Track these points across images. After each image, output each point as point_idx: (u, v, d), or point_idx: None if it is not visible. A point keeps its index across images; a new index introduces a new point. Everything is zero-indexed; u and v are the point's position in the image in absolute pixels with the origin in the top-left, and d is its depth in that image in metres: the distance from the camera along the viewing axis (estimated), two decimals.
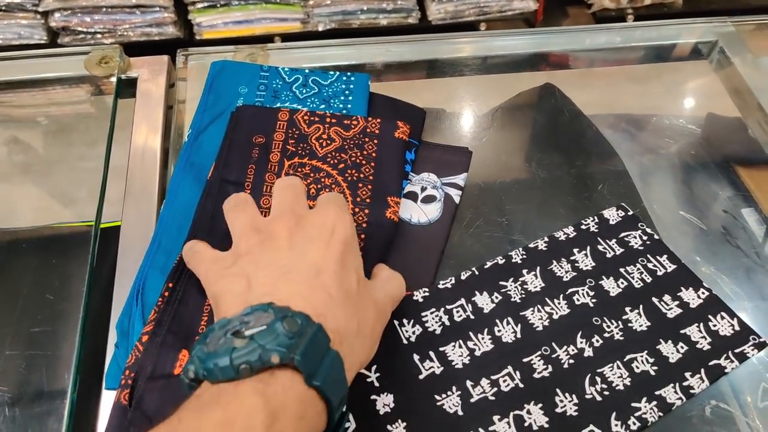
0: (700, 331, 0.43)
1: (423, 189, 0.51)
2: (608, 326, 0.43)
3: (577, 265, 0.47)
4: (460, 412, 0.38)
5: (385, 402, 0.38)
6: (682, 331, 0.43)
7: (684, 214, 0.53)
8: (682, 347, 0.42)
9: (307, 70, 0.56)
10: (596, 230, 0.49)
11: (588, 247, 0.48)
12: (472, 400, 0.38)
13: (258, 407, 0.27)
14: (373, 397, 0.38)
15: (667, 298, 0.45)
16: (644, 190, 0.54)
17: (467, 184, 0.53)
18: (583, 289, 0.45)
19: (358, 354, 0.33)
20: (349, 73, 0.56)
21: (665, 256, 0.48)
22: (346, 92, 0.54)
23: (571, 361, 0.41)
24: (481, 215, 0.51)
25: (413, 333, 0.41)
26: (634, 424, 0.38)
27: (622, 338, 0.42)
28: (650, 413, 0.39)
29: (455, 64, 0.67)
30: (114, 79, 0.59)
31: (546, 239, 0.48)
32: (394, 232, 0.46)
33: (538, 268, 0.46)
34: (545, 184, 0.54)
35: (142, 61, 0.61)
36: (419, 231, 0.48)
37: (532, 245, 0.48)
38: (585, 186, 0.54)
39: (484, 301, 0.44)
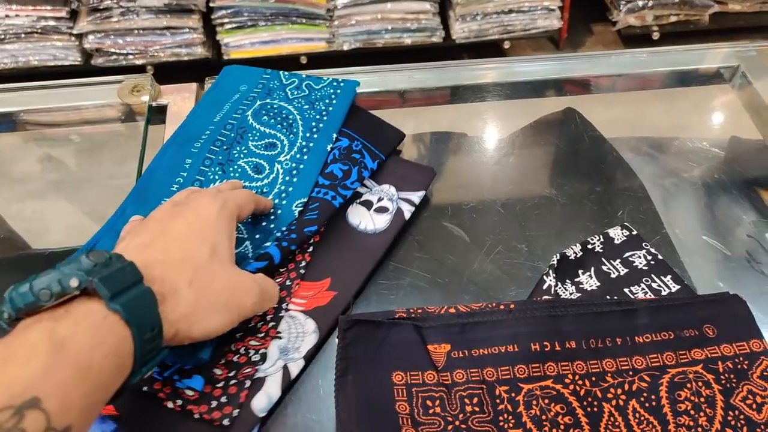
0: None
1: (379, 199, 0.52)
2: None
3: (582, 286, 0.47)
4: None
5: None
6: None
7: (707, 239, 0.53)
8: None
9: (303, 75, 0.59)
10: (601, 250, 0.50)
11: (592, 269, 0.48)
12: None
13: (42, 339, 0.29)
14: None
15: None
16: (666, 215, 0.54)
17: (487, 209, 0.54)
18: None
19: (183, 307, 0.35)
20: (339, 80, 0.58)
21: (669, 277, 0.48)
22: (332, 96, 0.57)
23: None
24: (501, 241, 0.51)
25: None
26: None
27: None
28: None
29: (478, 89, 0.68)
30: (145, 107, 0.61)
31: (554, 261, 0.48)
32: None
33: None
34: (565, 210, 0.54)
35: (172, 89, 0.63)
36: (362, 238, 0.49)
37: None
38: (605, 212, 0.54)
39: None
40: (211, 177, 0.51)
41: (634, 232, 0.50)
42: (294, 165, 0.52)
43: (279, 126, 0.54)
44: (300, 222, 0.48)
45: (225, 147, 0.53)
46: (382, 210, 0.51)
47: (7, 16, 1.82)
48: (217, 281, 0.37)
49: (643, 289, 0.47)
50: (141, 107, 0.62)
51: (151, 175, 0.51)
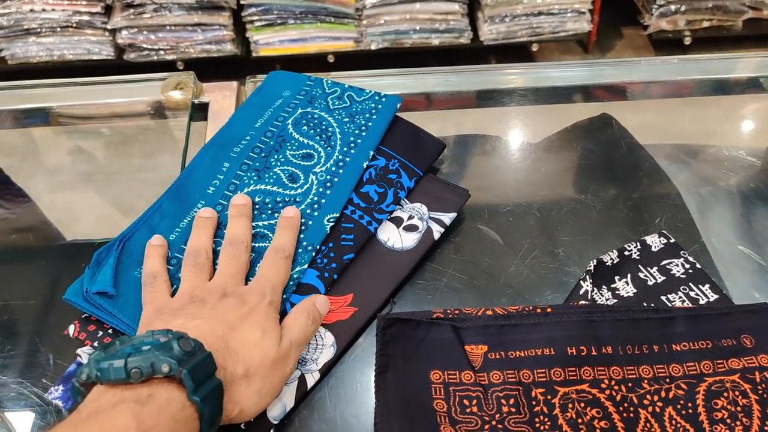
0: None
1: (410, 217, 0.52)
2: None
3: (618, 292, 0.47)
4: None
5: None
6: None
7: (743, 248, 0.53)
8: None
9: (346, 85, 0.60)
10: (638, 257, 0.50)
11: (629, 275, 0.48)
12: None
13: (130, 427, 0.31)
14: None
15: None
16: (702, 224, 0.54)
17: (523, 213, 0.54)
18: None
19: (239, 396, 0.37)
20: (382, 93, 0.59)
21: (707, 286, 0.48)
22: (373, 111, 0.57)
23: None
24: (537, 245, 0.52)
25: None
26: None
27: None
28: None
29: (510, 93, 0.68)
30: (189, 104, 0.63)
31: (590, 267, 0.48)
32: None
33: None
34: (602, 216, 0.54)
35: (213, 86, 0.64)
36: (389, 255, 0.49)
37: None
38: (642, 219, 0.54)
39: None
40: (246, 181, 0.51)
41: (672, 240, 0.50)
42: (329, 177, 0.52)
43: (318, 138, 0.55)
44: (338, 249, 0.48)
45: (263, 154, 0.53)
46: (411, 228, 0.51)
47: (43, 9, 1.86)
48: (266, 361, 0.39)
49: (680, 297, 0.47)
50: (184, 104, 0.63)
51: (190, 174, 0.52)
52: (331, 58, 2.06)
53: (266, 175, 0.52)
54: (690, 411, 0.41)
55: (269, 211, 0.50)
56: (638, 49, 2.16)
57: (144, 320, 0.42)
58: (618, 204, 0.55)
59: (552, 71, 0.71)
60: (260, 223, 0.49)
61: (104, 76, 0.70)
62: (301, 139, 0.55)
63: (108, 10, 1.92)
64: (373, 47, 2.03)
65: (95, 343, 0.44)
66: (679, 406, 0.41)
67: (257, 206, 0.50)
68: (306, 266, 0.47)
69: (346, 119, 0.56)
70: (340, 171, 0.53)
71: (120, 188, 0.62)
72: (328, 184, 0.52)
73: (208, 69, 2.03)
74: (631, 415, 0.40)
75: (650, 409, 0.41)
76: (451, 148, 0.61)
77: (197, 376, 0.34)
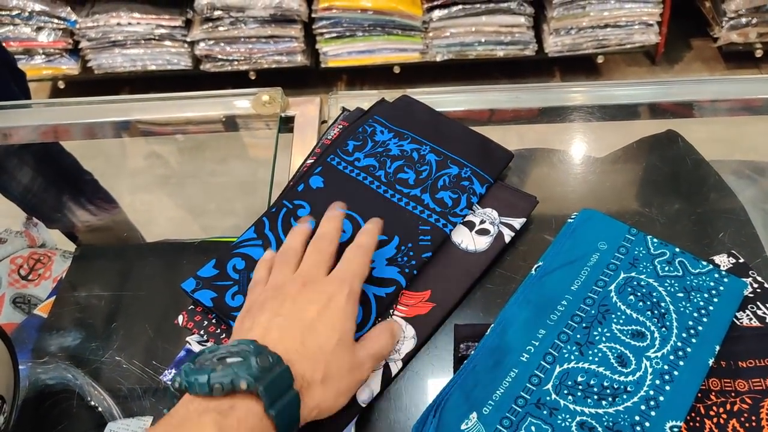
0: None
1: (482, 222, 0.55)
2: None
3: None
4: None
5: None
6: None
7: None
8: None
9: (677, 249, 0.52)
10: None
11: None
12: None
13: None
14: None
15: None
16: (767, 239, 0.56)
17: None
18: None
19: (317, 400, 0.40)
20: (723, 273, 0.50)
21: None
22: (713, 291, 0.49)
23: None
24: None
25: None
26: None
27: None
28: None
29: (577, 109, 0.71)
30: (277, 117, 0.68)
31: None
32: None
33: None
34: (664, 229, 0.57)
35: (299, 101, 0.70)
36: (463, 256, 0.53)
37: None
38: (705, 233, 0.56)
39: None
40: (567, 356, 0.46)
41: (741, 260, 0.52)
42: (667, 368, 0.45)
43: (648, 312, 0.48)
44: (417, 248, 0.52)
45: (584, 325, 0.47)
46: (483, 232, 0.55)
47: (129, 23, 1.99)
48: (343, 366, 0.42)
49: (748, 315, 0.49)
50: (273, 117, 0.69)
51: (503, 333, 0.48)
52: (396, 69, 2.12)
53: (590, 352, 0.46)
54: (753, 424, 0.43)
55: (595, 397, 0.44)
56: (707, 61, 2.12)
57: (239, 315, 0.45)
58: (682, 218, 0.57)
59: (619, 90, 0.74)
60: (585, 410, 0.43)
61: (182, 84, 0.76)
62: (628, 311, 0.48)
63: (188, 24, 2.03)
64: (438, 59, 2.08)
65: (201, 332, 0.50)
66: (743, 419, 0.43)
67: (580, 386, 0.44)
68: (390, 267, 0.51)
69: (680, 294, 0.49)
70: (680, 363, 0.45)
71: (193, 191, 0.68)
72: (667, 377, 0.45)
73: (277, 78, 2.12)
74: (697, 424, 0.43)
75: (715, 420, 0.43)
76: (519, 160, 0.65)
77: (274, 391, 0.36)
